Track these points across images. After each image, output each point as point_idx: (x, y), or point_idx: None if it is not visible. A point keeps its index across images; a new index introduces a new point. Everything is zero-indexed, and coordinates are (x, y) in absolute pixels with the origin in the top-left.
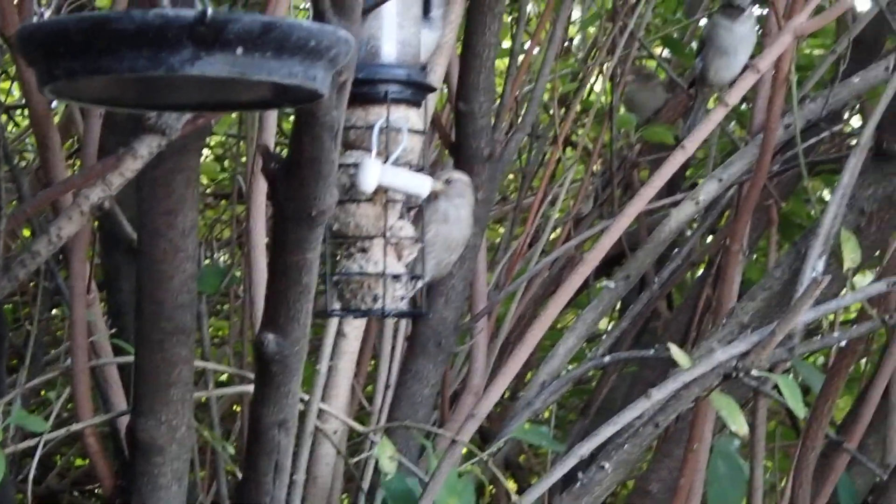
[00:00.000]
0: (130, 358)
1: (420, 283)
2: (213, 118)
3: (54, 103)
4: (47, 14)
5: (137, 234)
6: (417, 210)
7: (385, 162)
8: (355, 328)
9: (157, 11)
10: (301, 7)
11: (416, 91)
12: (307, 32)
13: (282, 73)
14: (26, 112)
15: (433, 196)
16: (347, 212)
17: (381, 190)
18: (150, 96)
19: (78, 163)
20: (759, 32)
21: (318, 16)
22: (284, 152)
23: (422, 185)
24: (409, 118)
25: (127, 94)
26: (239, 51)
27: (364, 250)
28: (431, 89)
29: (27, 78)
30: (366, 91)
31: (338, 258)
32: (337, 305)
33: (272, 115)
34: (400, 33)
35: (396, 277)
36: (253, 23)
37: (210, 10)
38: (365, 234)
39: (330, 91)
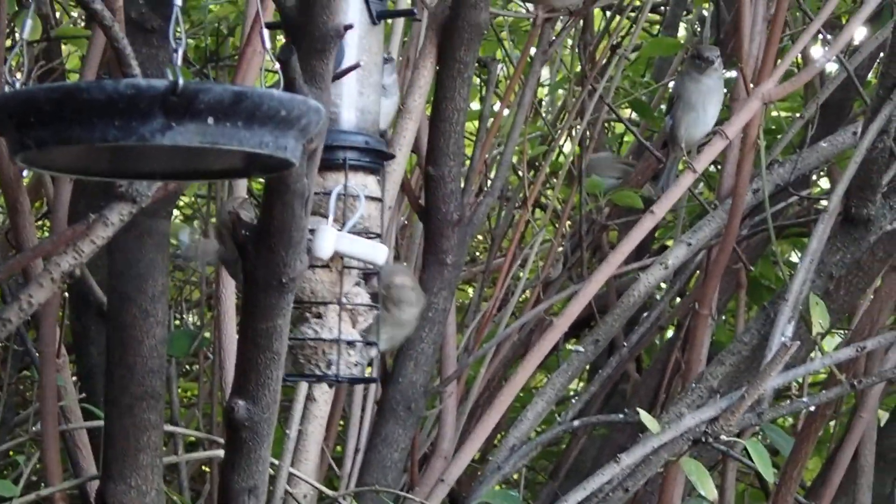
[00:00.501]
0: (100, 422)
1: (375, 351)
2: (185, 185)
3: (24, 172)
4: (18, 83)
5: (108, 298)
6: (374, 276)
7: (342, 229)
8: (325, 392)
9: (129, 81)
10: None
11: (375, 158)
12: (278, 102)
13: (252, 143)
14: None
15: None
16: (303, 277)
17: (337, 256)
18: (121, 164)
19: (48, 224)
20: (727, 93)
21: (289, 84)
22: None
23: (378, 252)
24: (367, 185)
25: (98, 162)
26: (210, 120)
27: (319, 316)
28: (390, 156)
29: None
30: (324, 157)
31: (293, 323)
32: (289, 370)
33: (243, 180)
34: (360, 100)
35: (351, 344)
36: (224, 93)
37: (181, 81)
38: (320, 299)
39: (300, 159)
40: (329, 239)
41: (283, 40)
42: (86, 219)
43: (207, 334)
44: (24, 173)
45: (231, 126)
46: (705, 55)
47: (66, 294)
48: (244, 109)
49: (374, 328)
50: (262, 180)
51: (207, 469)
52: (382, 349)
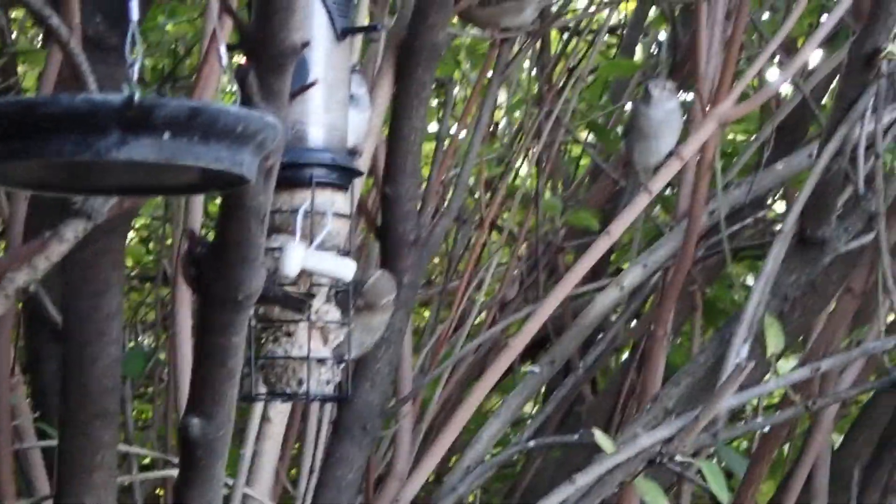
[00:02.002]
0: (54, 442)
1: (343, 367)
2: (140, 202)
3: None
4: None
5: (62, 316)
6: (344, 293)
7: (309, 246)
8: (280, 412)
9: (85, 96)
10: (229, 90)
11: (343, 175)
12: (234, 117)
13: (209, 159)
14: None
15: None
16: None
17: (305, 274)
18: (76, 180)
19: (2, 244)
20: (684, 117)
21: (246, 100)
22: (211, 235)
23: (346, 269)
24: (335, 202)
25: (54, 177)
26: (166, 136)
27: (289, 334)
28: (358, 173)
29: None
30: (291, 175)
31: (263, 341)
32: (262, 389)
33: (199, 198)
34: (326, 117)
35: (321, 361)
36: (180, 107)
37: (137, 95)
38: (290, 317)
39: (257, 176)
40: (296, 257)
41: (242, 58)
42: (40, 235)
43: (163, 356)
44: None
45: (187, 141)
46: (653, 91)
47: (21, 313)
48: (200, 124)
49: (346, 342)
50: (219, 200)
51: (161, 492)
52: (353, 357)
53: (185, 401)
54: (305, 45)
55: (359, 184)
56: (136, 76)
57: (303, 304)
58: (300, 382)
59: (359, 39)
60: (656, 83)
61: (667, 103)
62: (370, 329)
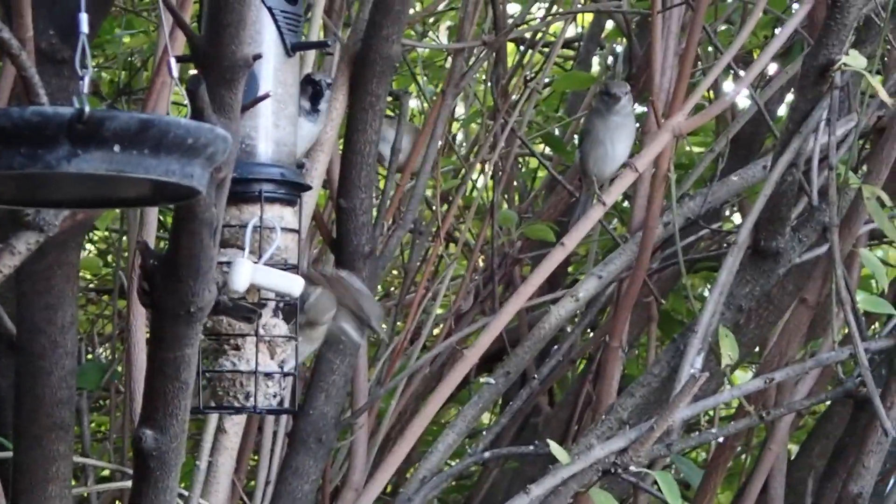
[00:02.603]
0: (9, 454)
1: (290, 381)
2: (94, 214)
3: None
4: None
5: (17, 329)
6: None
7: (258, 261)
8: (235, 424)
9: (35, 109)
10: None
11: (291, 190)
12: (184, 130)
13: (159, 171)
14: None
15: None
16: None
17: (253, 289)
18: (28, 192)
19: None
20: (638, 128)
21: (197, 113)
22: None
23: (294, 284)
24: (284, 217)
25: (4, 190)
26: (116, 148)
27: (237, 347)
28: (306, 188)
29: None
30: (240, 190)
31: (211, 355)
32: (208, 402)
33: (153, 211)
34: (275, 132)
35: (269, 375)
36: (130, 120)
37: (87, 108)
38: (237, 331)
39: (208, 188)
40: (245, 271)
41: (193, 71)
42: None
43: (119, 368)
44: None
45: (137, 154)
46: (613, 91)
47: None
48: (150, 137)
49: (293, 355)
50: (170, 209)
51: (119, 503)
52: (292, 366)
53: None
54: (257, 57)
55: (314, 196)
56: (86, 89)
57: (252, 315)
58: (248, 396)
59: (312, 52)
60: (615, 87)
61: (624, 109)
62: (311, 340)
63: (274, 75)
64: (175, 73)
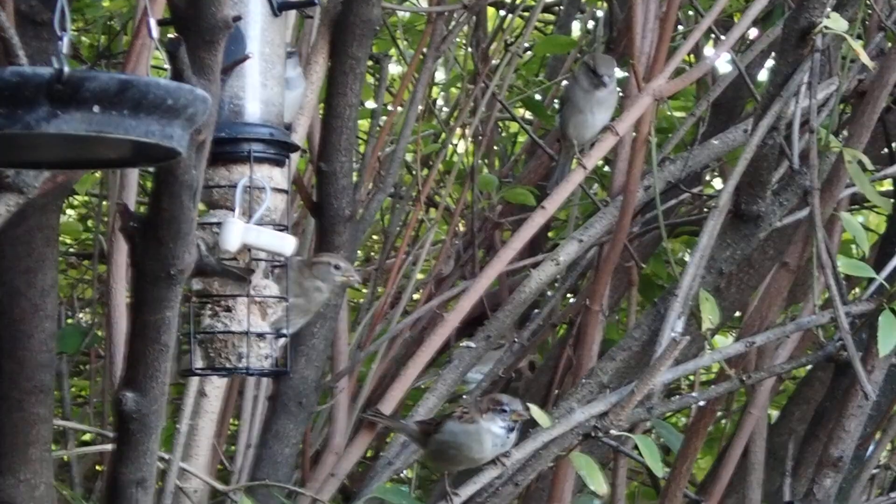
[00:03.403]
0: None
1: (284, 342)
2: (74, 176)
3: None
4: None
5: None
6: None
7: (248, 221)
8: (216, 387)
9: (14, 69)
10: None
11: (280, 150)
12: (164, 91)
13: (139, 132)
14: None
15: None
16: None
17: (244, 249)
18: (7, 154)
19: None
20: (620, 94)
21: (177, 75)
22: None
23: (286, 244)
24: (273, 177)
25: None
26: (96, 109)
27: (228, 309)
28: (296, 148)
29: None
30: (229, 150)
31: (202, 317)
32: (201, 364)
33: (133, 174)
34: (263, 92)
35: (261, 336)
36: (110, 81)
37: (66, 69)
38: (229, 292)
39: (188, 150)
40: (236, 231)
41: (173, 32)
42: None
43: (100, 332)
44: None
45: (117, 114)
46: (600, 73)
47: None
48: (130, 98)
49: (285, 317)
50: (150, 171)
51: (100, 468)
52: (292, 331)
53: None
54: (237, 19)
55: (294, 159)
56: (65, 50)
57: (244, 278)
58: (240, 357)
59: (293, 15)
60: (603, 66)
61: (607, 88)
62: (306, 312)
63: (261, 35)
64: (155, 35)
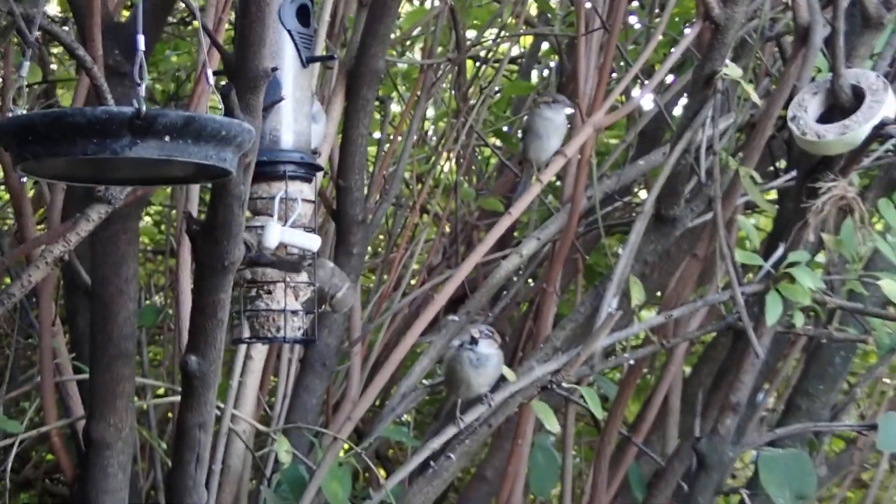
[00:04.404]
0: (86, 376)
1: (311, 317)
2: (150, 191)
3: (24, 179)
4: (20, 111)
5: (91, 280)
6: (311, 263)
7: (284, 224)
8: (260, 352)
9: (104, 108)
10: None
11: (308, 170)
12: (219, 124)
13: (199, 156)
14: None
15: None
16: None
17: (281, 246)
18: (99, 173)
19: (44, 228)
20: (568, 125)
21: (228, 112)
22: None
23: (313, 241)
24: (303, 191)
25: (81, 171)
26: (167, 138)
27: (270, 292)
28: (320, 168)
29: (5, 161)
30: (269, 170)
31: (250, 298)
32: (248, 334)
33: (195, 189)
34: (295, 125)
35: (294, 313)
36: (177, 117)
37: (144, 108)
38: (270, 279)
39: (238, 170)
40: (275, 232)
41: (225, 80)
42: (73, 217)
43: (170, 310)
44: (24, 181)
45: (183, 143)
46: (555, 97)
47: (60, 278)
48: (193, 130)
49: (314, 299)
50: (209, 187)
51: (171, 415)
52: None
53: (186, 342)
54: (274, 70)
55: (319, 177)
56: (143, 93)
57: (298, 266)
58: (278, 329)
59: (316, 67)
60: (548, 100)
61: (562, 110)
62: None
63: (293, 82)
64: (212, 82)
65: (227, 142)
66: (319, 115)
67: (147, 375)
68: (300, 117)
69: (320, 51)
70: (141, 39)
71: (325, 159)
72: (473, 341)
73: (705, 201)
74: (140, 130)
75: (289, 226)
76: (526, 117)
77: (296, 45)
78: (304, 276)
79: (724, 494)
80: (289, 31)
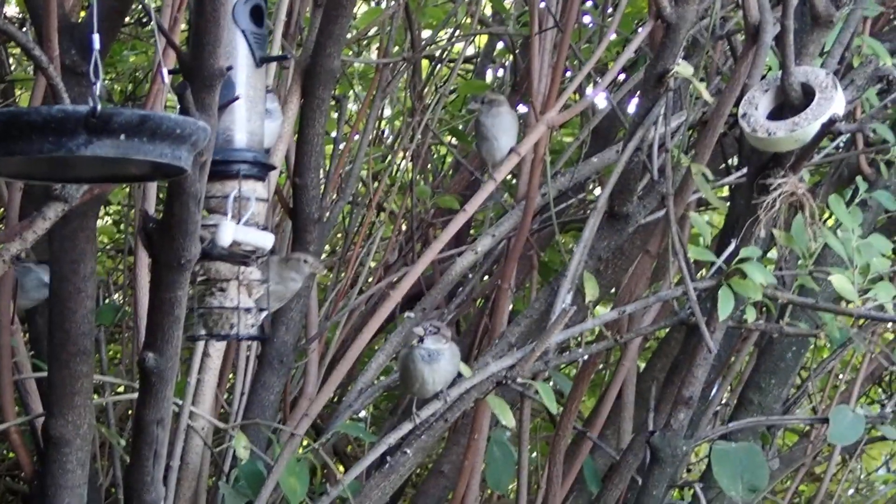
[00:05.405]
0: (44, 374)
1: (265, 315)
2: (107, 189)
3: None
4: None
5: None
6: (265, 259)
7: (238, 223)
8: (217, 349)
9: (59, 107)
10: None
11: (262, 169)
12: (174, 123)
13: (155, 154)
14: None
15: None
16: (209, 260)
17: (235, 244)
18: (55, 172)
19: (2, 226)
20: (521, 122)
21: (184, 111)
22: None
23: (266, 239)
24: (256, 190)
25: (38, 169)
26: (122, 137)
27: (223, 290)
28: (273, 168)
29: None
30: (223, 169)
31: (203, 296)
32: (202, 331)
33: (152, 188)
34: (248, 125)
35: (248, 310)
36: (132, 115)
37: (99, 106)
38: (223, 277)
39: (193, 168)
40: (228, 231)
41: (181, 79)
42: (30, 216)
43: (128, 308)
44: None
45: (138, 141)
46: (487, 98)
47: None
48: (148, 128)
49: (266, 297)
50: (164, 185)
51: (131, 412)
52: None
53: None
54: (229, 69)
55: (275, 176)
56: (98, 92)
57: (247, 259)
58: (231, 326)
59: (273, 66)
60: (477, 107)
61: (495, 108)
62: (281, 299)
63: (246, 81)
64: (167, 81)
65: (182, 140)
66: (276, 113)
67: (106, 373)
68: (253, 116)
69: (277, 50)
70: (96, 38)
71: (282, 158)
72: (421, 339)
73: (658, 198)
74: (95, 129)
75: (242, 224)
76: (474, 119)
77: (249, 44)
78: (257, 274)
79: (678, 488)
80: (242, 31)
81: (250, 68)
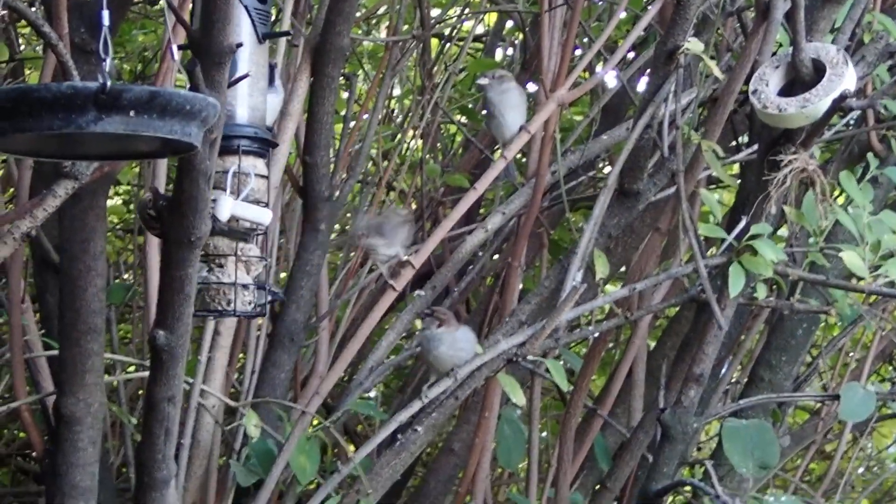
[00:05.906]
0: (55, 352)
1: (266, 293)
2: (116, 167)
3: None
4: None
5: (60, 257)
6: (264, 236)
7: (237, 198)
8: (228, 327)
9: (69, 83)
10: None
11: (262, 145)
12: (184, 99)
13: (165, 130)
14: None
15: None
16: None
17: (233, 218)
18: (65, 149)
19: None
20: (531, 99)
21: (194, 87)
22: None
23: (265, 215)
24: (257, 165)
25: (47, 147)
26: (132, 113)
27: (221, 265)
28: (275, 144)
29: None
30: (223, 144)
31: (201, 271)
32: (198, 306)
33: (162, 165)
34: (250, 101)
35: (245, 287)
36: (142, 92)
37: (109, 83)
38: (221, 253)
39: (203, 145)
40: (227, 205)
41: (190, 56)
42: (40, 194)
43: (139, 287)
44: None
45: (148, 117)
46: (493, 73)
47: (30, 256)
48: (158, 104)
49: (265, 273)
50: (174, 162)
51: (142, 392)
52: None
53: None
54: (239, 45)
55: (285, 154)
56: (108, 68)
57: (248, 234)
58: (229, 302)
59: (282, 43)
60: (486, 81)
61: (499, 84)
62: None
63: (249, 58)
64: (177, 58)
65: (192, 116)
66: (277, 87)
67: (117, 352)
68: (255, 93)
69: (286, 27)
70: (105, 14)
71: (292, 136)
72: (425, 326)
73: (668, 175)
74: (105, 105)
75: (241, 199)
76: (482, 98)
77: (252, 21)
78: (255, 251)
79: (689, 465)
80: (245, 7)
81: (253, 44)
